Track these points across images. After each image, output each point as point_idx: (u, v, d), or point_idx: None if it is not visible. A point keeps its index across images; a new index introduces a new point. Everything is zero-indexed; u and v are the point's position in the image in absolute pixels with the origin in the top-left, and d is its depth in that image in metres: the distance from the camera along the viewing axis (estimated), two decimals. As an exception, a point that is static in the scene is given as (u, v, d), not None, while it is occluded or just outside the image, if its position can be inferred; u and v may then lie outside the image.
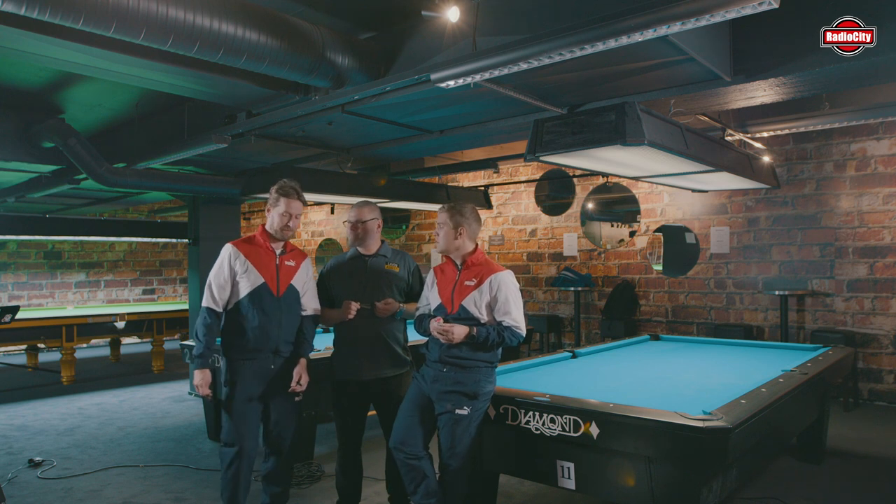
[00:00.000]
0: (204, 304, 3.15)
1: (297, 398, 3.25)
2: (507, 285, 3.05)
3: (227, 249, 3.16)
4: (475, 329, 2.95)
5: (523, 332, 3.04)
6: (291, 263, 3.25)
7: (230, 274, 3.13)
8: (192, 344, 3.26)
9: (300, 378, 3.21)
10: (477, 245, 3.19)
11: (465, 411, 2.92)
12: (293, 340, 3.24)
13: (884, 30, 2.84)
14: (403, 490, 3.17)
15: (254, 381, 3.14)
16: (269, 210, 3.20)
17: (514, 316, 3.02)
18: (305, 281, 3.30)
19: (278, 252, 3.23)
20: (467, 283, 3.06)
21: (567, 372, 3.85)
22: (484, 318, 3.02)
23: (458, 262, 3.14)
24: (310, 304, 3.32)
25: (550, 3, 2.82)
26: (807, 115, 4.71)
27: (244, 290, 3.12)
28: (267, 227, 3.22)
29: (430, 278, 3.26)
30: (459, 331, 2.93)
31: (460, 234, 3.09)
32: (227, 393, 3.15)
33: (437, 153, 6.58)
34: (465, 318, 3.01)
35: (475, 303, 3.02)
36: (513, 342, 3.02)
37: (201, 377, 3.13)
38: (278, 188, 3.18)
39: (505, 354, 5.13)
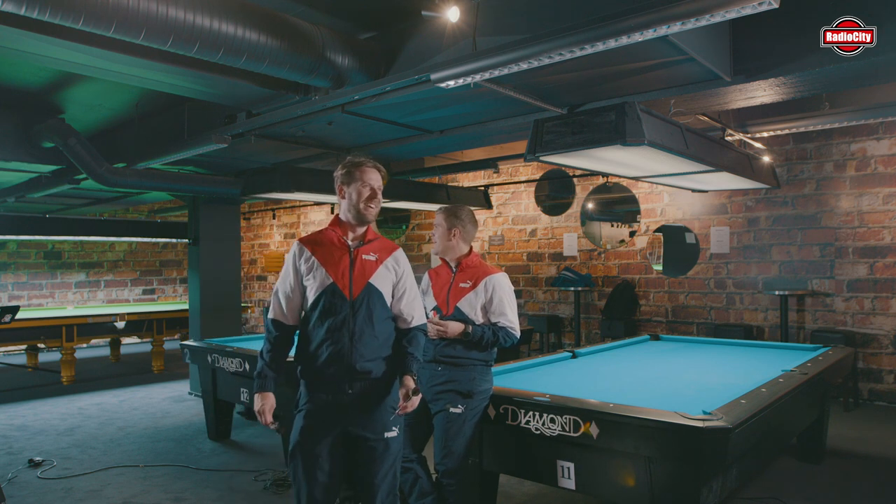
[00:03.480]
0: (270, 315, 2.58)
1: (388, 434, 2.52)
2: (502, 287, 3.07)
3: (293, 247, 2.58)
4: (470, 327, 2.97)
5: (517, 334, 3.07)
6: (371, 257, 2.57)
7: (297, 277, 2.54)
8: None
9: (405, 399, 2.50)
10: (472, 247, 3.21)
11: (458, 410, 2.93)
12: (379, 357, 2.52)
13: (884, 30, 2.84)
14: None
15: (325, 410, 2.48)
16: (341, 192, 2.58)
17: (509, 317, 3.05)
18: (396, 281, 2.61)
19: (354, 244, 2.57)
20: (462, 284, 3.08)
21: (567, 372, 3.85)
22: (479, 319, 3.05)
23: (453, 265, 3.16)
24: (410, 310, 2.63)
25: (550, 3, 2.82)
26: (807, 115, 4.71)
27: (312, 293, 2.51)
28: (342, 214, 2.61)
29: (424, 282, 3.26)
30: (454, 327, 2.96)
31: (454, 235, 3.11)
32: (295, 427, 2.53)
33: (437, 153, 6.58)
34: (460, 319, 3.03)
35: (470, 304, 3.04)
36: (507, 343, 3.04)
37: (261, 402, 2.49)
38: (345, 163, 2.59)
39: (505, 354, 5.15)
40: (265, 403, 2.48)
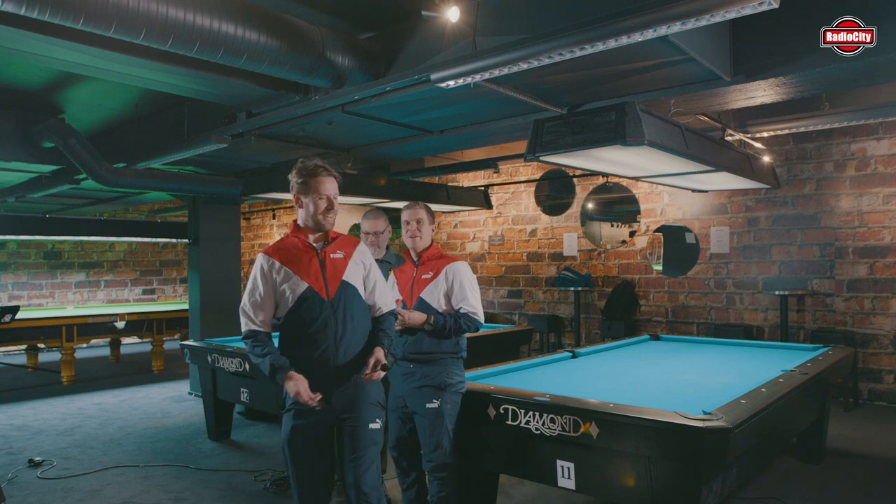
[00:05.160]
0: (243, 329, 2.56)
1: (372, 425, 2.57)
2: (463, 274, 3.13)
3: (259, 260, 2.58)
4: (432, 317, 3.02)
5: (481, 318, 3.13)
6: (339, 255, 2.62)
7: (269, 286, 2.54)
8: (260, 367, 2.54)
9: (372, 368, 2.50)
10: (433, 240, 3.28)
11: (434, 405, 2.98)
12: (361, 351, 2.58)
13: (884, 30, 2.84)
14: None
15: (314, 412, 2.49)
16: (298, 201, 2.61)
17: (471, 302, 3.10)
18: (366, 274, 2.68)
19: (319, 246, 2.61)
20: (424, 276, 3.14)
21: (567, 372, 3.85)
22: (442, 307, 3.09)
23: (416, 259, 3.21)
24: (382, 300, 2.72)
25: (550, 3, 2.81)
26: (807, 115, 4.71)
27: (289, 302, 2.53)
28: (300, 221, 2.64)
29: (390, 281, 3.31)
30: (416, 317, 3.00)
31: (433, 229, 3.23)
32: (284, 427, 2.54)
33: (437, 153, 6.58)
34: (424, 310, 3.07)
35: (432, 294, 3.09)
36: (470, 328, 3.09)
37: (294, 384, 2.41)
38: (300, 170, 2.58)
39: (505, 354, 5.16)
40: (299, 383, 2.41)
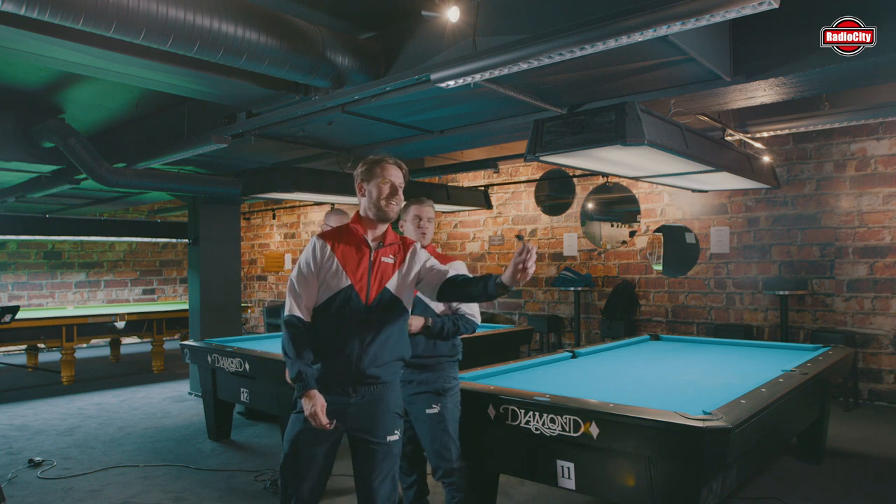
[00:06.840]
0: (287, 312, 2.42)
1: (391, 437, 2.44)
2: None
3: (312, 242, 2.48)
4: (430, 320, 2.97)
5: (478, 319, 3.12)
6: (390, 260, 2.49)
7: (316, 271, 2.43)
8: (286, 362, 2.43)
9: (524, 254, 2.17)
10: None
11: (435, 409, 2.94)
12: (388, 362, 2.43)
13: (884, 30, 2.84)
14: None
15: (327, 413, 2.36)
16: (361, 190, 2.49)
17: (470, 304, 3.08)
18: (418, 270, 2.53)
19: (374, 245, 2.49)
20: None
21: (567, 372, 3.84)
22: (440, 308, 3.06)
23: None
24: (445, 272, 2.54)
25: (550, 3, 2.81)
26: (807, 115, 4.71)
27: (327, 293, 2.41)
28: (362, 211, 2.52)
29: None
30: (415, 321, 2.93)
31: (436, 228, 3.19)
32: (292, 426, 2.42)
33: (437, 153, 6.58)
34: (422, 311, 3.03)
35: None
36: (468, 329, 3.07)
37: (311, 404, 2.30)
38: (365, 160, 2.51)
39: (505, 354, 5.16)
40: (316, 404, 2.30)
